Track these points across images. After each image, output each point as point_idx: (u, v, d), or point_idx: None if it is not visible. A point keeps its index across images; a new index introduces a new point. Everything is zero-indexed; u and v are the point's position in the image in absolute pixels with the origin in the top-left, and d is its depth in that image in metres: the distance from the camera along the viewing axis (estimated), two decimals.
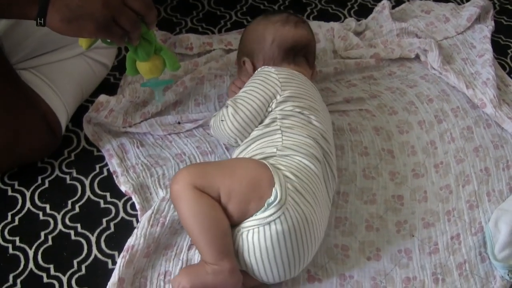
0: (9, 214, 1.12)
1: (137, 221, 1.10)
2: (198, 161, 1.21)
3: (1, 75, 1.09)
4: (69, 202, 1.14)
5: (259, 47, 1.21)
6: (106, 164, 1.21)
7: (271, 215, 0.91)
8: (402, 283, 1.03)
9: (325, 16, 1.70)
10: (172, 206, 1.07)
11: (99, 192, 1.16)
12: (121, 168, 1.18)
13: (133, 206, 1.13)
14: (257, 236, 0.91)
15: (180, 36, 1.53)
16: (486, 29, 1.60)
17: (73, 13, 0.90)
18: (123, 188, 1.15)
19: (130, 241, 1.01)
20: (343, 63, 1.47)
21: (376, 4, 1.72)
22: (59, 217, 1.11)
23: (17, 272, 1.03)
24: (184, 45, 1.50)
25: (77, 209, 1.13)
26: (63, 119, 1.20)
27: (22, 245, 1.07)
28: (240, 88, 1.16)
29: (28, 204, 1.13)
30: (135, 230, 1.04)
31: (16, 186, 1.17)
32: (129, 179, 1.16)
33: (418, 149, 1.27)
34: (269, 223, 0.91)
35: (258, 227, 0.91)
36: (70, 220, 1.11)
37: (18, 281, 1.01)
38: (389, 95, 1.40)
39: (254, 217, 0.92)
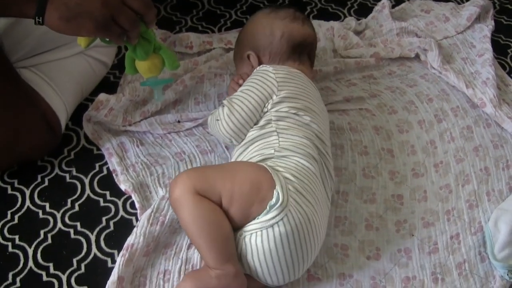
0: (9, 212, 1.12)
1: (137, 219, 1.10)
2: (198, 160, 1.21)
3: (1, 73, 1.09)
4: (69, 200, 1.14)
5: (267, 41, 1.19)
6: (106, 163, 1.21)
7: (273, 217, 0.90)
8: (401, 282, 1.03)
9: (325, 15, 1.70)
10: None
11: (98, 190, 1.16)
12: (120, 166, 1.18)
13: (132, 205, 1.13)
14: (260, 239, 0.91)
15: (180, 35, 1.53)
16: (486, 28, 1.60)
17: (72, 12, 0.90)
18: (122, 187, 1.15)
19: (130, 239, 1.01)
20: (343, 62, 1.47)
21: (376, 3, 1.72)
22: (58, 216, 1.11)
23: (16, 270, 1.03)
24: (184, 44, 1.50)
25: (76, 208, 1.13)
26: (63, 117, 1.20)
27: (21, 243, 1.07)
28: (239, 85, 1.16)
29: (27, 203, 1.13)
30: (135, 229, 1.04)
31: (16, 185, 1.17)
32: (128, 177, 1.16)
33: (418, 148, 1.27)
34: (272, 225, 0.90)
35: (261, 230, 0.91)
36: (69, 218, 1.11)
37: (18, 279, 1.01)
38: (389, 95, 1.40)
39: (256, 220, 0.92)
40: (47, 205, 1.13)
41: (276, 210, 0.90)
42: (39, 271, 1.03)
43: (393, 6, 1.70)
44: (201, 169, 1.11)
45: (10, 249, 1.06)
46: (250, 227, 0.92)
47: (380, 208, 1.15)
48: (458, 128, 1.31)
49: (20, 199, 1.14)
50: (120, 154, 1.21)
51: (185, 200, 0.93)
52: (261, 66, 1.16)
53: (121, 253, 1.00)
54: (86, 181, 1.18)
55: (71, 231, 1.09)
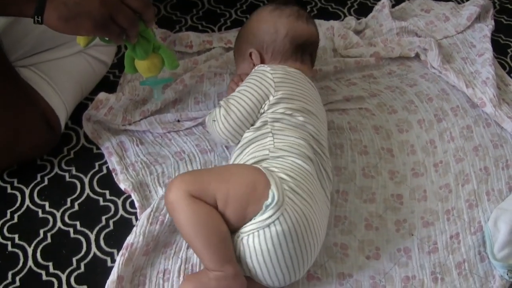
0: (8, 211, 1.12)
1: (136, 219, 1.10)
2: (197, 159, 1.21)
3: (0, 73, 1.09)
4: (68, 199, 1.14)
5: (271, 39, 1.18)
6: (106, 162, 1.21)
7: (270, 217, 0.90)
8: (401, 282, 1.03)
9: (325, 14, 1.70)
10: None
11: (98, 190, 1.16)
12: (120, 166, 1.18)
13: (132, 204, 1.13)
14: (257, 239, 0.90)
15: (180, 34, 1.53)
16: (486, 28, 1.60)
17: (71, 11, 0.90)
18: (122, 186, 1.15)
19: (129, 239, 1.01)
20: (343, 61, 1.47)
21: (376, 3, 1.72)
22: (58, 215, 1.11)
23: (16, 269, 1.03)
24: (184, 43, 1.50)
25: (76, 207, 1.13)
26: (63, 116, 1.20)
27: (21, 242, 1.07)
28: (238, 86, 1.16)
29: (27, 202, 1.13)
30: (134, 228, 1.04)
31: (16, 184, 1.17)
32: (128, 177, 1.16)
33: (418, 148, 1.27)
34: (268, 225, 0.90)
35: (258, 231, 0.90)
36: (69, 217, 1.11)
37: (17, 278, 1.01)
38: (389, 94, 1.40)
39: (252, 221, 0.91)
40: (47, 204, 1.13)
41: (272, 209, 0.90)
42: (39, 270, 1.03)
43: (393, 6, 1.70)
44: (195, 172, 1.11)
45: (9, 248, 1.06)
46: (247, 228, 0.92)
47: (379, 208, 1.15)
48: (458, 128, 1.31)
49: (19, 198, 1.14)
50: (120, 153, 1.21)
51: (180, 203, 0.92)
52: (259, 66, 1.15)
53: (120, 252, 1.00)
54: (86, 180, 1.18)
55: (71, 230, 1.09)
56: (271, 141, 1.03)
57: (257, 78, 1.11)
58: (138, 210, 1.11)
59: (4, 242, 1.07)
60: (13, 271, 1.02)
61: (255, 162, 1.01)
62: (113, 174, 1.18)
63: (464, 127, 1.31)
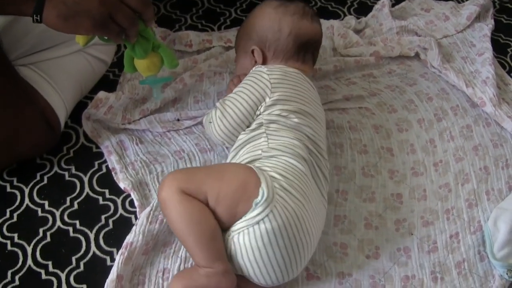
0: (8, 210, 1.12)
1: (136, 218, 1.10)
2: (197, 158, 1.20)
3: (0, 72, 1.09)
4: (68, 198, 1.14)
5: (274, 37, 1.16)
6: (105, 161, 1.21)
7: (259, 214, 0.89)
8: (401, 281, 1.03)
9: (324, 13, 1.69)
10: None
11: (98, 189, 1.16)
12: (120, 165, 1.18)
13: (131, 203, 1.13)
14: (247, 237, 0.90)
15: (179, 33, 1.53)
16: (486, 27, 1.60)
17: (70, 10, 0.90)
18: (122, 185, 1.15)
19: (129, 238, 1.01)
20: (343, 61, 1.47)
21: (376, 2, 1.72)
22: (57, 214, 1.11)
23: (15, 268, 1.03)
24: (184, 42, 1.50)
25: (75, 206, 1.13)
26: (62, 115, 1.20)
27: (20, 241, 1.07)
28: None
29: (26, 201, 1.13)
30: (134, 227, 1.03)
31: (15, 183, 1.16)
32: (128, 176, 1.16)
33: (418, 147, 1.27)
34: (258, 222, 0.89)
35: (248, 228, 0.90)
36: (68, 216, 1.11)
37: (17, 277, 1.01)
38: (389, 93, 1.40)
39: (243, 219, 0.91)
40: (46, 203, 1.13)
41: (261, 206, 0.89)
42: (38, 269, 1.03)
43: (393, 5, 1.70)
44: (187, 170, 1.12)
45: (9, 247, 1.06)
46: (237, 226, 0.92)
47: (379, 207, 1.15)
48: (458, 127, 1.31)
49: (19, 197, 1.14)
50: (119, 152, 1.21)
51: (171, 200, 0.92)
52: (256, 66, 1.15)
53: (120, 252, 1.00)
54: (85, 179, 1.18)
55: (70, 229, 1.09)
56: (265, 142, 1.03)
57: (253, 79, 1.10)
58: (137, 209, 1.11)
59: (4, 241, 1.07)
60: (13, 270, 1.02)
61: (249, 162, 1.01)
62: (113, 173, 1.18)
63: (464, 126, 1.31)
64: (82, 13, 0.90)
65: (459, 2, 1.74)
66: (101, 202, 1.14)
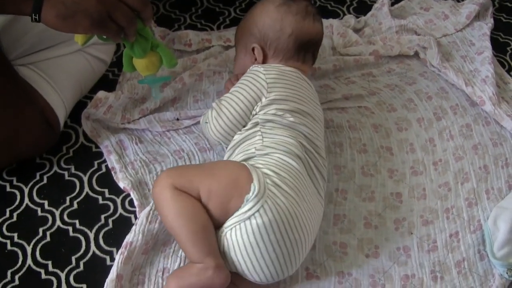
0: (8, 210, 1.12)
1: (136, 217, 1.10)
2: (196, 157, 1.20)
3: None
4: (68, 198, 1.14)
5: (275, 36, 1.15)
6: (105, 161, 1.21)
7: (250, 209, 0.90)
8: (400, 280, 1.03)
9: (324, 12, 1.69)
10: None
11: (97, 188, 1.16)
12: (119, 164, 1.18)
13: (131, 203, 1.13)
14: (239, 233, 0.90)
15: (179, 32, 1.53)
16: (485, 26, 1.60)
17: (68, 9, 0.90)
18: (121, 185, 1.15)
19: (129, 237, 1.01)
20: (342, 60, 1.46)
21: (375, 1, 1.72)
22: (57, 213, 1.11)
23: (15, 268, 1.03)
24: (183, 41, 1.50)
25: (75, 206, 1.13)
26: (62, 115, 1.20)
27: (20, 241, 1.07)
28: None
29: (26, 200, 1.13)
30: (134, 227, 1.03)
31: (15, 182, 1.16)
32: (127, 175, 1.16)
33: (417, 146, 1.27)
34: (249, 217, 0.90)
35: (239, 224, 0.90)
36: (68, 216, 1.11)
37: (16, 277, 1.01)
38: (388, 92, 1.40)
39: (235, 215, 0.92)
40: (46, 202, 1.13)
41: (252, 201, 0.90)
42: (38, 269, 1.03)
43: (392, 4, 1.70)
44: (181, 167, 1.13)
45: (8, 246, 1.06)
46: (229, 222, 0.92)
47: (379, 206, 1.15)
48: (457, 126, 1.31)
49: (18, 197, 1.14)
50: (119, 152, 1.21)
51: (163, 195, 0.93)
52: (253, 66, 1.14)
53: (119, 251, 1.00)
54: (85, 178, 1.18)
55: (70, 228, 1.09)
56: (260, 140, 1.03)
57: (250, 79, 1.10)
58: (137, 209, 1.10)
59: (3, 240, 1.07)
60: (12, 269, 1.02)
61: (243, 160, 1.01)
62: (112, 172, 1.18)
63: (464, 125, 1.31)
64: (80, 12, 0.90)
65: (458, 1, 1.74)
66: (100, 201, 1.14)
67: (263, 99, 1.07)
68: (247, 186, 0.92)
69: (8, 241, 1.07)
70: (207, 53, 1.47)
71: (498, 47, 1.57)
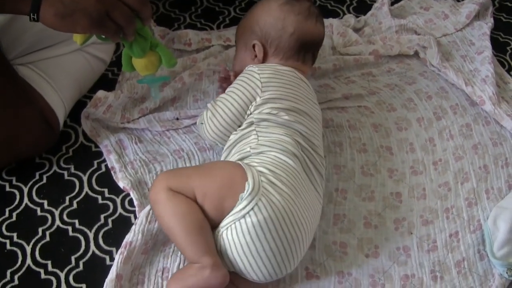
0: (7, 209, 1.12)
1: (135, 217, 1.10)
2: (196, 157, 1.20)
3: None
4: (67, 198, 1.14)
5: (277, 34, 1.15)
6: (104, 160, 1.21)
7: (244, 207, 0.90)
8: (400, 280, 1.03)
9: (324, 12, 1.68)
10: None
11: (97, 188, 1.16)
12: (119, 164, 1.18)
13: (131, 202, 1.13)
14: (235, 231, 0.91)
15: (178, 32, 1.53)
16: (485, 26, 1.60)
17: (67, 8, 0.89)
18: (121, 184, 1.15)
19: (128, 237, 1.01)
20: (342, 59, 1.46)
21: (375, 1, 1.72)
22: (56, 213, 1.11)
23: (14, 268, 1.03)
24: (183, 41, 1.50)
25: (75, 205, 1.13)
26: (61, 114, 1.20)
27: (19, 241, 1.07)
28: (228, 85, 1.15)
29: (26, 200, 1.13)
30: (133, 227, 1.03)
31: (14, 182, 1.16)
32: (127, 175, 1.15)
33: (417, 146, 1.27)
34: (243, 216, 0.90)
35: (235, 223, 0.91)
36: (68, 216, 1.11)
37: (16, 277, 1.01)
38: (388, 92, 1.40)
39: (230, 214, 0.92)
40: (45, 202, 1.13)
41: (246, 199, 0.90)
42: (37, 269, 1.03)
43: (392, 4, 1.70)
44: (177, 169, 1.15)
45: (8, 246, 1.06)
46: (225, 221, 0.92)
47: (378, 206, 1.15)
48: (457, 126, 1.31)
49: (18, 197, 1.14)
50: (119, 151, 1.21)
51: (159, 196, 0.94)
52: (248, 66, 1.14)
53: (119, 251, 0.99)
54: (85, 178, 1.18)
55: (69, 228, 1.09)
56: (255, 139, 1.03)
57: (244, 79, 1.10)
58: (137, 209, 1.10)
59: (3, 240, 1.07)
60: (12, 269, 1.02)
61: (239, 160, 1.01)
62: (112, 172, 1.17)
63: (464, 125, 1.31)
64: (79, 11, 0.90)
65: (458, 1, 1.74)
66: (100, 201, 1.14)
67: (258, 99, 1.07)
68: (242, 185, 0.92)
69: (8, 241, 1.07)
70: (206, 53, 1.47)
71: (498, 46, 1.57)
